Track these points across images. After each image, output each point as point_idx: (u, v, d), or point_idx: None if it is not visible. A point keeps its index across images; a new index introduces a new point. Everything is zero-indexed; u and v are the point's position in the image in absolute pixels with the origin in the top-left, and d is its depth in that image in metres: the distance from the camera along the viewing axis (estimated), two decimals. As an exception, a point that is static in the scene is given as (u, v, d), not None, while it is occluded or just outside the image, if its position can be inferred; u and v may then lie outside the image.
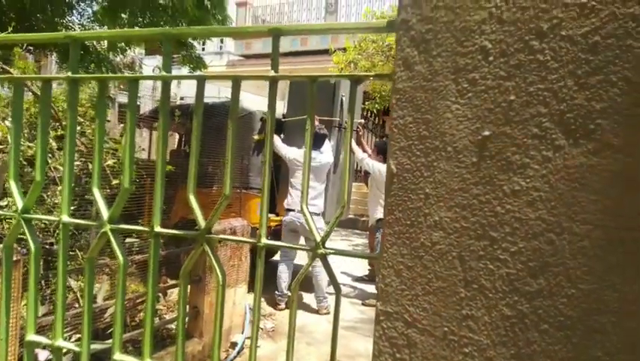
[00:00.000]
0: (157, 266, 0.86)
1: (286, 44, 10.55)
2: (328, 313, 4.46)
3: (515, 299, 0.57)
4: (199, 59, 6.30)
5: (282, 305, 4.55)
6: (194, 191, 0.84)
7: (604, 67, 0.54)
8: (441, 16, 0.62)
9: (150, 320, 0.87)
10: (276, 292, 4.53)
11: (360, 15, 10.66)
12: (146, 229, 0.86)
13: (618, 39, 0.54)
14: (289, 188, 4.54)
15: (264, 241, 0.79)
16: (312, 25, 1.03)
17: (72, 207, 0.96)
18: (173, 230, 0.87)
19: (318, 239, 0.76)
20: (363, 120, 7.87)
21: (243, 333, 3.79)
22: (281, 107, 4.93)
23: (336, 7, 11.98)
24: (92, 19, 5.95)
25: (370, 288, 5.32)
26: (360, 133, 5.49)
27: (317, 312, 4.49)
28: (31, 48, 5.45)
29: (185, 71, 6.43)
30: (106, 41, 5.49)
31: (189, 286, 2.71)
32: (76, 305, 2.91)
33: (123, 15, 5.25)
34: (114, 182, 3.25)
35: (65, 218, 0.91)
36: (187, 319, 3.32)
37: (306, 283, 4.35)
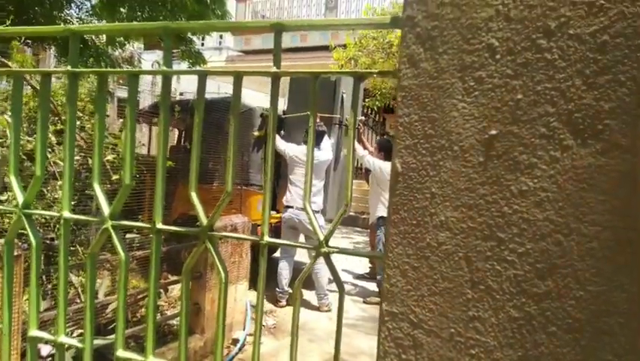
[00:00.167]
0: (159, 263, 0.86)
1: (286, 40, 10.49)
2: (329, 310, 4.47)
3: (523, 301, 0.56)
4: (198, 54, 6.28)
5: (283, 302, 4.55)
6: (195, 188, 0.84)
7: (612, 66, 0.54)
8: (447, 13, 0.61)
9: (152, 317, 0.86)
10: (277, 289, 4.54)
11: (360, 11, 10.62)
12: (148, 225, 0.86)
13: (627, 38, 0.53)
14: (288, 185, 4.53)
15: (267, 238, 0.79)
16: (315, 20, 1.03)
17: (72, 203, 0.95)
18: (174, 226, 0.86)
19: (322, 238, 0.75)
20: (363, 117, 7.84)
21: (244, 330, 3.80)
22: (281, 104, 4.92)
23: (336, 3, 11.93)
24: (91, 12, 5.92)
25: (371, 286, 5.32)
26: (361, 130, 5.48)
27: (318, 309, 4.50)
28: (29, 41, 5.42)
29: (184, 65, 6.40)
30: (104, 35, 5.46)
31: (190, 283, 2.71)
32: (78, 300, 2.91)
33: (122, 9, 5.23)
34: (114, 177, 3.25)
35: (66, 214, 0.90)
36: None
37: (306, 280, 4.36)
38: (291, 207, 4.41)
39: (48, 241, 2.96)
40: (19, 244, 2.15)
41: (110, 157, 3.44)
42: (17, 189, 0.93)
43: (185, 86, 11.26)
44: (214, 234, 0.82)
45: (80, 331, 2.63)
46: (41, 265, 1.32)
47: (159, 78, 0.89)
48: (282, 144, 4.47)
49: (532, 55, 0.57)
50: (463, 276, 0.59)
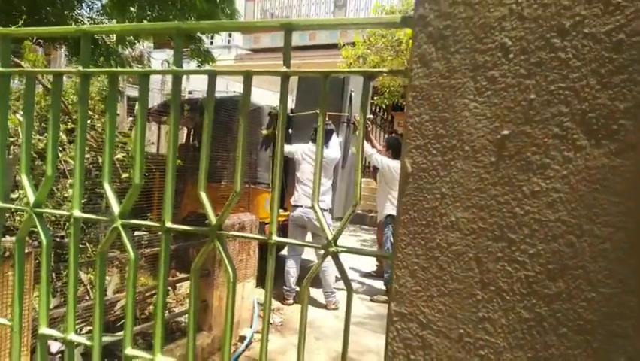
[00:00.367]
0: (168, 261, 0.86)
1: (295, 39, 10.44)
2: (336, 308, 4.47)
3: (533, 302, 0.56)
4: (207, 52, 6.29)
5: (290, 300, 4.56)
6: (205, 187, 0.84)
7: (628, 65, 0.53)
8: (460, 12, 0.60)
9: (161, 316, 0.87)
10: (284, 287, 4.55)
11: (369, 9, 10.56)
12: (157, 224, 0.86)
13: (644, 37, 0.52)
14: (295, 183, 4.54)
15: (275, 238, 0.79)
16: (325, 19, 1.02)
17: (82, 201, 0.96)
18: (183, 225, 0.87)
19: (330, 237, 0.75)
20: (371, 116, 7.82)
21: (251, 327, 3.81)
22: (289, 102, 4.91)
23: (345, 1, 11.89)
24: (101, 12, 5.96)
25: (378, 284, 5.32)
26: (369, 129, 5.47)
27: (325, 307, 4.50)
28: (40, 41, 5.47)
29: (193, 64, 6.42)
30: (114, 35, 5.50)
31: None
32: (87, 298, 2.94)
33: (132, 8, 5.25)
34: (124, 175, 3.27)
35: (77, 213, 0.91)
36: (195, 312, 3.34)
37: (313, 278, 4.37)
38: (300, 205, 4.41)
39: (58, 239, 2.99)
40: (30, 241, 2.18)
41: (119, 155, 3.46)
42: (29, 188, 0.94)
43: (194, 85, 11.30)
44: (223, 233, 0.82)
45: (89, 328, 2.66)
46: (51, 263, 1.33)
47: (169, 77, 0.90)
48: (289, 147, 4.49)
49: (545, 54, 0.56)
50: (473, 277, 0.58)
